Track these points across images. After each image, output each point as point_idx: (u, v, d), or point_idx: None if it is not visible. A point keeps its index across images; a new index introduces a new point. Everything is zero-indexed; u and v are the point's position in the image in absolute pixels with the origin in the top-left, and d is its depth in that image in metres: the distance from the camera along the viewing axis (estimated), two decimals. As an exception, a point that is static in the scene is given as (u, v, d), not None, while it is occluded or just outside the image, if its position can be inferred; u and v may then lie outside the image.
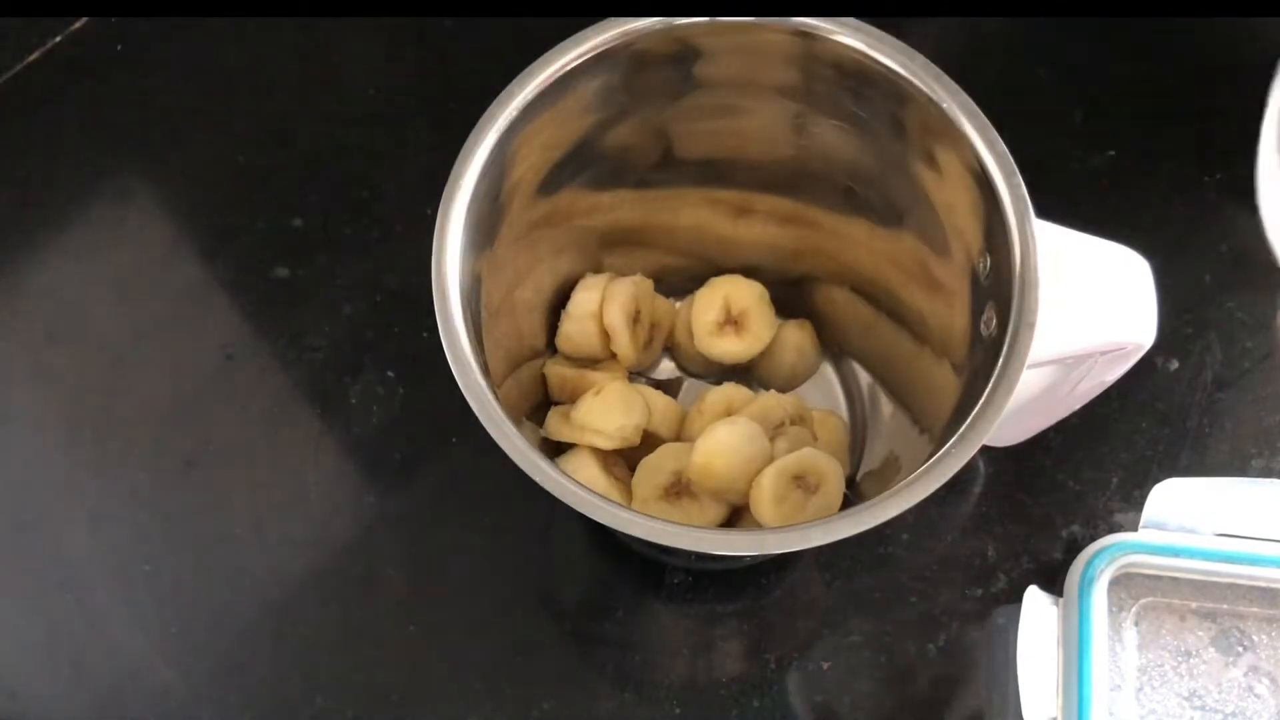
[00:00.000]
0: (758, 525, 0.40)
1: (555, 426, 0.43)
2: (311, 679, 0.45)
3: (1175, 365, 0.50)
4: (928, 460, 0.32)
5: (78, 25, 0.57)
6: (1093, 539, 0.45)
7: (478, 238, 0.35)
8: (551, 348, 0.46)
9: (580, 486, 0.31)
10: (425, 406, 0.49)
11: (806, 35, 0.36)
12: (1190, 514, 0.43)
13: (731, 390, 0.44)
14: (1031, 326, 0.32)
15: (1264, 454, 0.48)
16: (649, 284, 0.46)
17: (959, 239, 0.37)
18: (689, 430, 0.44)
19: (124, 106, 0.55)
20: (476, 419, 0.32)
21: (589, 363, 0.46)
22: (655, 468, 0.42)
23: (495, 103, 0.35)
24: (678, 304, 0.48)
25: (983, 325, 0.35)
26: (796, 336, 0.46)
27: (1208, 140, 0.55)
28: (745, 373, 0.47)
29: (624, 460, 0.44)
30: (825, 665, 0.45)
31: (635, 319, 0.45)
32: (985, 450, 0.37)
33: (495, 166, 0.35)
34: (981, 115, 0.34)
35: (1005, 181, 0.34)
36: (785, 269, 0.47)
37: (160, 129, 0.55)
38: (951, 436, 0.32)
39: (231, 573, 0.46)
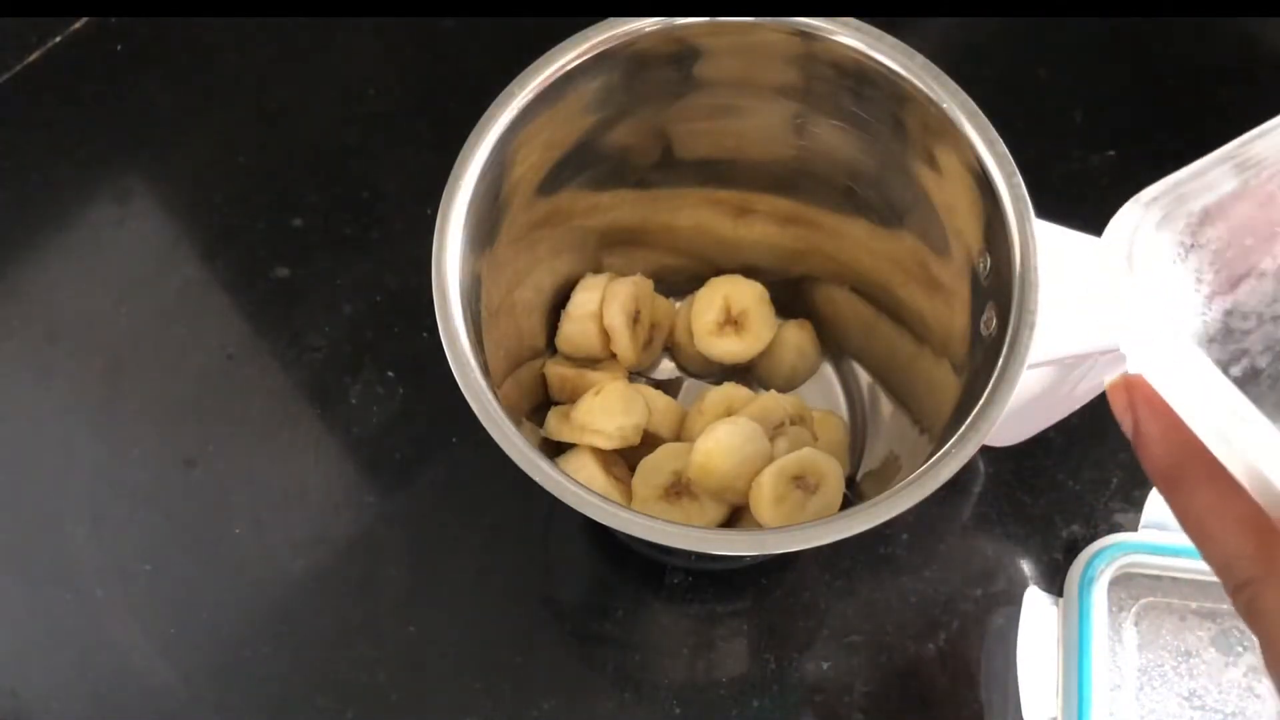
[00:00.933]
0: (758, 525, 0.40)
1: (555, 426, 0.43)
2: (311, 679, 0.45)
3: (1175, 365, 0.50)
4: (928, 460, 0.32)
5: (78, 25, 0.57)
6: (1093, 539, 0.45)
7: (478, 238, 0.35)
8: (551, 348, 0.46)
9: (580, 486, 0.31)
10: (425, 406, 0.49)
11: (806, 35, 0.36)
12: (1190, 514, 0.43)
13: (731, 390, 0.44)
14: (1031, 326, 0.32)
15: (1264, 454, 0.48)
16: (649, 284, 0.46)
17: (959, 239, 0.37)
18: (689, 430, 0.44)
19: (124, 106, 0.55)
20: (476, 419, 0.32)
21: (589, 363, 0.46)
22: (655, 468, 0.42)
23: (495, 103, 0.35)
24: (677, 304, 0.48)
25: (983, 325, 0.35)
26: (796, 336, 0.46)
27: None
28: (745, 373, 0.47)
29: (624, 460, 0.44)
30: (825, 665, 0.45)
31: (635, 319, 0.45)
32: (985, 450, 0.37)
33: (495, 166, 0.35)
34: (981, 115, 0.34)
35: (1005, 181, 0.34)
36: (785, 269, 0.47)
37: (160, 129, 0.55)
38: (951, 436, 0.32)
39: (231, 573, 0.46)
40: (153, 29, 0.57)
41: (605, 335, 0.44)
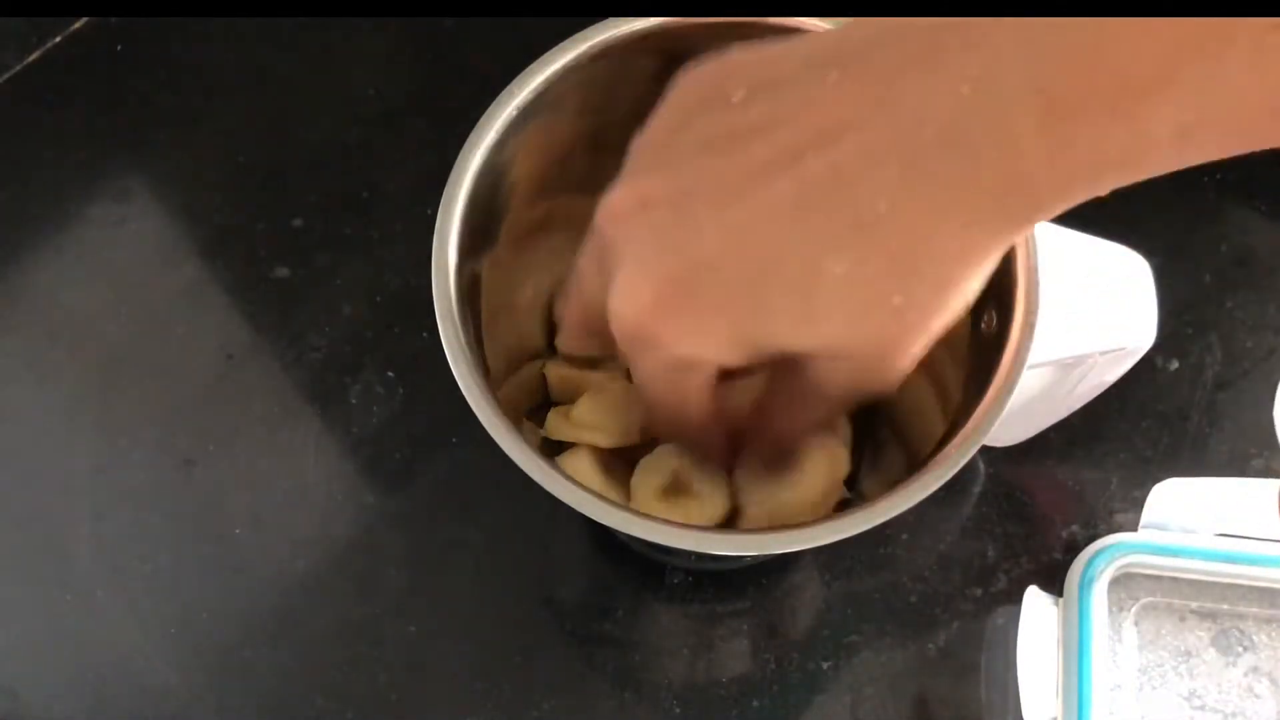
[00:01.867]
0: (757, 525, 0.40)
1: (555, 426, 0.43)
2: (311, 679, 0.45)
3: (1175, 365, 0.50)
4: (928, 460, 0.32)
5: (78, 25, 0.57)
6: (1093, 539, 0.45)
7: (478, 238, 0.35)
8: (551, 348, 0.46)
9: (580, 486, 0.31)
10: (425, 406, 0.49)
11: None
12: (1190, 514, 0.43)
13: None
14: (1031, 326, 0.32)
15: (1264, 454, 0.48)
16: (649, 284, 0.46)
17: (959, 239, 0.37)
18: None
19: (124, 106, 0.55)
20: (476, 419, 0.32)
21: (589, 363, 0.46)
22: (655, 468, 0.42)
23: (495, 103, 0.35)
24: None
25: (983, 325, 0.35)
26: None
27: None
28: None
29: (624, 460, 0.44)
30: (825, 665, 0.45)
31: (635, 319, 0.45)
32: (985, 450, 0.37)
33: (495, 167, 0.35)
34: (981, 115, 0.34)
35: (1005, 181, 0.34)
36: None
37: (160, 129, 0.55)
38: (952, 436, 0.32)
39: (231, 573, 0.46)
40: (153, 29, 0.57)
41: (605, 335, 0.44)
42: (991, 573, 0.46)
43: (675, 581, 0.46)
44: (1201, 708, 0.42)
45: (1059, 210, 0.24)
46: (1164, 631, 0.43)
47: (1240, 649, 0.43)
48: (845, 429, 0.45)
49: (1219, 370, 0.50)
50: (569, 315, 0.33)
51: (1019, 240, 0.33)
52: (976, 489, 0.48)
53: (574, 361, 0.46)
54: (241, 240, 0.52)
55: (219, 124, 0.55)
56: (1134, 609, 0.43)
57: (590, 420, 0.42)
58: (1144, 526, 0.44)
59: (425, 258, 0.33)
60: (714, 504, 0.41)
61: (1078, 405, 0.42)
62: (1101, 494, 0.47)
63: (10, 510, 0.48)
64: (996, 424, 0.32)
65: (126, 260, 0.52)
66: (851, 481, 0.45)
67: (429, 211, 0.33)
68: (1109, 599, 0.42)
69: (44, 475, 0.48)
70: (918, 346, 0.27)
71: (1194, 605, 0.43)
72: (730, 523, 0.42)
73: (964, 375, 0.36)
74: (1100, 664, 0.41)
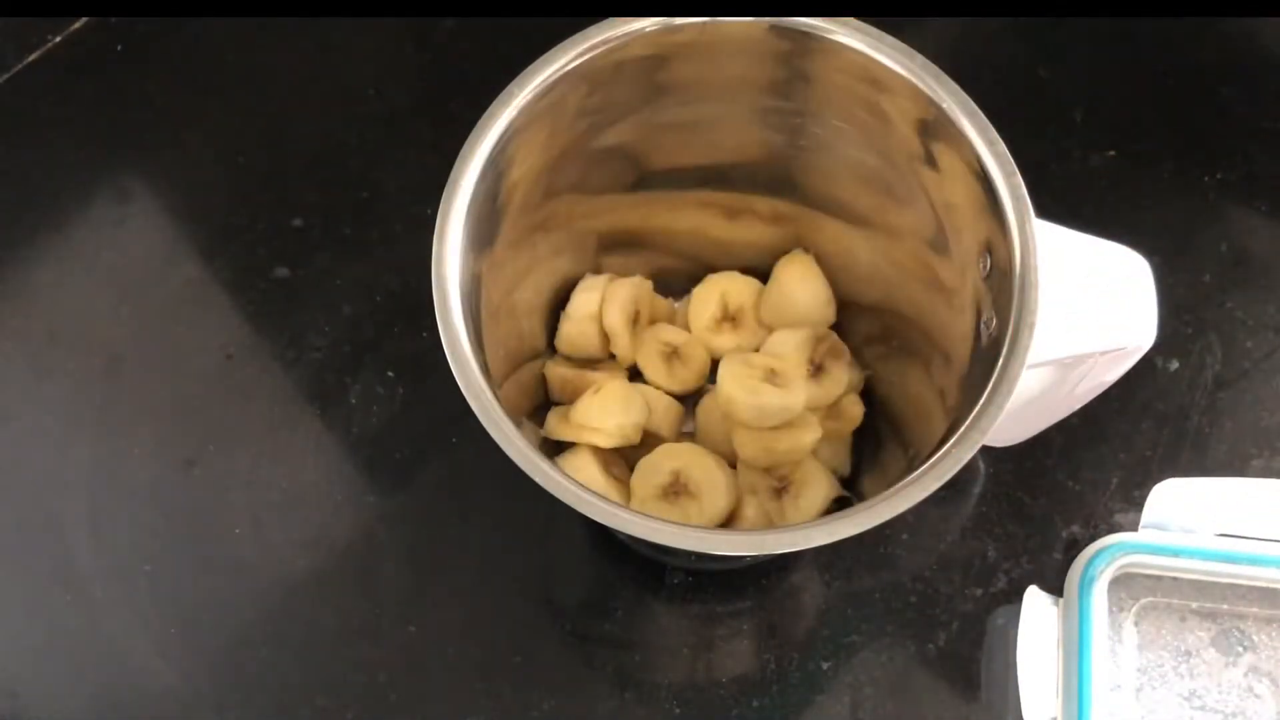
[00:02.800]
0: (757, 526, 0.40)
1: (555, 426, 0.43)
2: (311, 679, 0.45)
3: (1175, 365, 0.50)
4: (928, 460, 0.32)
5: (78, 25, 0.57)
6: (1093, 539, 0.45)
7: (478, 238, 0.35)
8: (551, 348, 0.46)
9: (580, 486, 0.31)
10: (425, 406, 0.49)
11: (806, 35, 0.36)
12: (1190, 514, 0.43)
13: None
14: (1031, 326, 0.32)
15: (1264, 454, 0.48)
16: (648, 285, 0.46)
17: (959, 239, 0.37)
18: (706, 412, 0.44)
19: (124, 106, 0.55)
20: (476, 419, 0.32)
21: (589, 363, 0.46)
22: (654, 467, 0.42)
23: (495, 103, 0.35)
24: (676, 304, 0.48)
25: (983, 325, 0.35)
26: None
27: (1208, 140, 0.55)
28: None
29: (624, 460, 0.44)
30: (825, 665, 0.45)
31: (635, 320, 0.45)
32: (985, 450, 0.37)
33: (495, 167, 0.35)
34: (981, 115, 0.34)
35: (1005, 181, 0.34)
36: (785, 269, 0.47)
37: (160, 129, 0.55)
38: (952, 436, 0.32)
39: (231, 573, 0.46)
40: (153, 29, 0.57)
41: (605, 336, 0.44)
42: (991, 573, 0.46)
43: (675, 581, 0.46)
44: (1201, 708, 0.42)
45: None
46: (1164, 631, 0.43)
47: (1240, 649, 0.43)
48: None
49: (1219, 370, 0.50)
50: None
51: (1018, 240, 0.33)
52: (976, 489, 0.48)
53: (574, 361, 0.46)
54: (241, 240, 0.52)
55: (219, 124, 0.55)
56: (1134, 609, 0.43)
57: (590, 420, 0.42)
58: (1144, 526, 0.44)
59: (425, 258, 0.33)
60: (714, 504, 0.41)
61: (1078, 405, 0.42)
62: (1101, 494, 0.47)
63: (10, 510, 0.48)
64: (996, 424, 0.32)
65: (126, 260, 0.52)
66: (851, 481, 0.45)
67: (429, 211, 0.33)
68: (1109, 599, 0.42)
69: (44, 475, 0.48)
70: None
71: (1194, 605, 0.43)
72: (730, 523, 0.42)
73: (964, 375, 0.36)
74: (1100, 664, 0.41)
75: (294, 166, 0.54)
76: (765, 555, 0.45)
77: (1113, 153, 0.54)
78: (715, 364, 0.46)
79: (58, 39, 0.56)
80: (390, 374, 0.50)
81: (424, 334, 0.50)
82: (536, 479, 0.31)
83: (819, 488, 0.42)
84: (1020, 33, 0.57)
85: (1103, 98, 0.56)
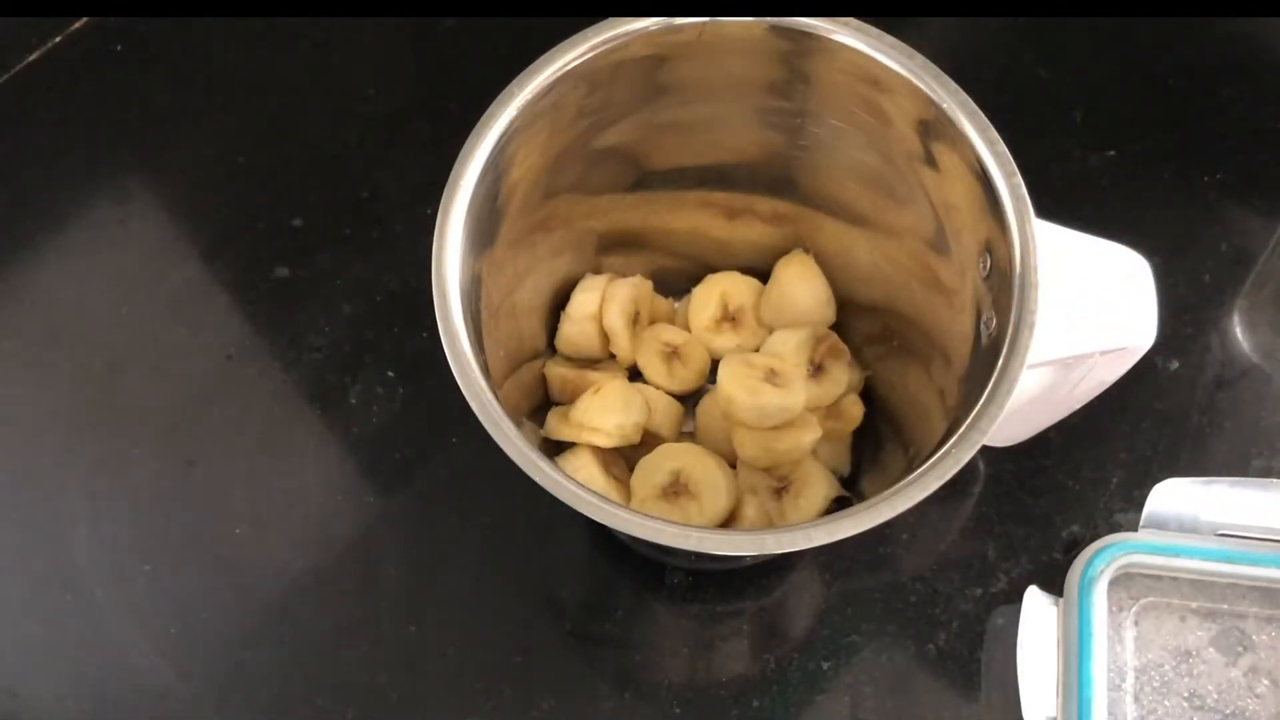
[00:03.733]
0: (757, 526, 0.40)
1: (555, 426, 0.43)
2: (311, 679, 0.45)
3: (1175, 365, 0.50)
4: (928, 460, 0.32)
5: (78, 25, 0.57)
6: (1093, 539, 0.45)
7: (477, 238, 0.35)
8: (551, 348, 0.46)
9: (580, 486, 0.31)
10: (425, 406, 0.49)
11: (806, 35, 0.36)
12: (1190, 514, 0.43)
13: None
14: (1031, 326, 0.32)
15: (1264, 454, 0.48)
16: (648, 285, 0.46)
17: (959, 239, 0.37)
18: (706, 412, 0.44)
19: (124, 106, 0.55)
20: (476, 419, 0.32)
21: (589, 363, 0.46)
22: (654, 467, 0.42)
23: (495, 103, 0.35)
24: (676, 304, 0.48)
25: (983, 325, 0.35)
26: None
27: (1208, 140, 0.55)
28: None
29: (624, 460, 0.44)
30: (825, 665, 0.45)
31: (635, 320, 0.45)
32: (985, 450, 0.37)
33: (495, 167, 0.35)
34: (981, 115, 0.34)
35: (1005, 181, 0.34)
36: (785, 269, 0.47)
37: (160, 129, 0.55)
38: (952, 436, 0.32)
39: (231, 573, 0.46)
40: (153, 29, 0.57)
41: (605, 336, 0.44)
42: (991, 573, 0.46)
43: (675, 581, 0.46)
44: (1201, 708, 0.42)
45: None
46: (1164, 631, 0.43)
47: (1240, 649, 0.43)
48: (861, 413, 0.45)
49: (1219, 370, 0.50)
50: None
51: (1018, 240, 0.33)
52: (976, 489, 0.48)
53: (574, 361, 0.46)
54: (241, 240, 0.52)
55: (219, 124, 0.55)
56: (1134, 609, 0.43)
57: (590, 420, 0.42)
58: (1144, 526, 0.44)
59: (425, 258, 0.33)
60: (714, 504, 0.41)
61: (1078, 405, 0.42)
62: (1101, 494, 0.47)
63: (10, 510, 0.48)
64: (996, 424, 0.32)
65: (126, 260, 0.52)
66: (851, 481, 0.45)
67: (429, 211, 0.33)
68: (1109, 599, 0.42)
69: (44, 475, 0.48)
70: None
71: (1194, 605, 0.43)
72: (730, 523, 0.42)
73: (964, 375, 0.36)
74: (1100, 664, 0.41)
75: (294, 166, 0.54)
76: (765, 555, 0.45)
77: (1113, 153, 0.54)
78: (715, 364, 0.46)
79: (58, 39, 0.56)
80: (390, 374, 0.50)
81: (424, 334, 0.50)
82: (536, 479, 0.31)
83: (819, 488, 0.42)
84: (1020, 33, 0.57)
85: (1103, 98, 0.56)
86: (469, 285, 0.34)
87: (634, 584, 0.46)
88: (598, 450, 0.42)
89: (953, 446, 0.32)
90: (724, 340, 0.45)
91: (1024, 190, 0.34)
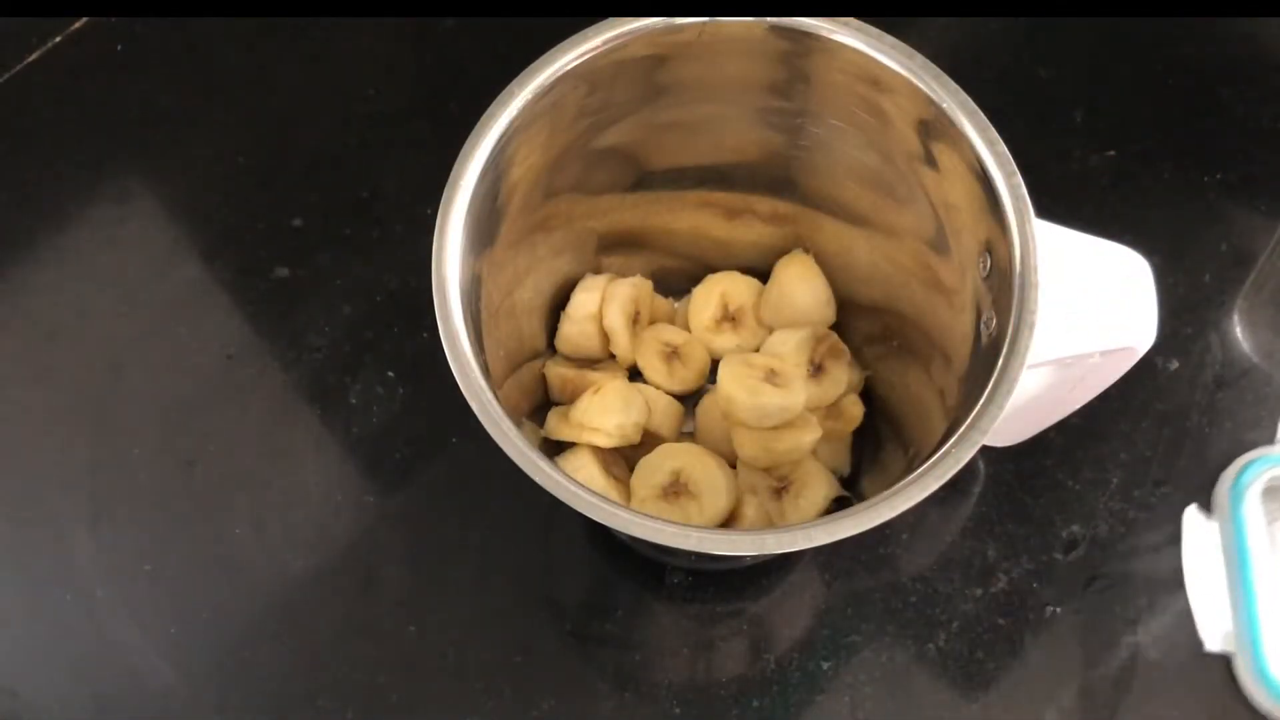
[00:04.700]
0: (757, 526, 0.40)
1: (555, 426, 0.43)
2: (311, 679, 0.45)
3: (1175, 365, 0.50)
4: (928, 460, 0.32)
5: (78, 25, 0.57)
6: (1093, 539, 0.45)
7: (477, 238, 0.35)
8: (552, 348, 0.46)
9: (580, 486, 0.31)
10: (425, 406, 0.49)
11: (806, 35, 0.36)
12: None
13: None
14: (1031, 326, 0.32)
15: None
16: (648, 285, 0.46)
17: (959, 239, 0.37)
18: (706, 412, 0.44)
19: (124, 106, 0.55)
20: (476, 419, 0.32)
21: (589, 363, 0.46)
22: (654, 467, 0.42)
23: (495, 103, 0.35)
24: (676, 304, 0.48)
25: (983, 325, 0.35)
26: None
27: (1208, 140, 0.55)
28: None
29: (624, 460, 0.44)
30: (825, 665, 0.45)
31: (635, 320, 0.45)
32: (985, 450, 0.37)
33: (495, 167, 0.35)
34: (981, 115, 0.34)
35: (1005, 181, 0.34)
36: (785, 269, 0.47)
37: (160, 129, 0.55)
38: (952, 436, 0.32)
39: (232, 573, 0.46)
40: (153, 29, 0.57)
41: (605, 336, 0.44)
42: (991, 573, 0.46)
43: (675, 581, 0.46)
44: None
45: None
46: None
47: None
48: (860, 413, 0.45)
49: (1219, 370, 0.50)
50: None
51: (1018, 240, 0.33)
52: (976, 489, 0.48)
53: (574, 361, 0.46)
54: (241, 240, 0.52)
55: (219, 124, 0.55)
56: None
57: (590, 420, 0.42)
58: None
59: (425, 258, 0.33)
60: (714, 504, 0.41)
61: (1078, 405, 0.42)
62: (1101, 494, 0.47)
63: (10, 510, 0.48)
64: (996, 424, 0.32)
65: (126, 260, 0.52)
66: (851, 481, 0.45)
67: (429, 211, 0.33)
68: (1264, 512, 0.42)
69: (44, 475, 0.48)
70: None
71: None
72: (730, 523, 0.42)
73: (964, 375, 0.36)
74: (1262, 573, 0.40)
75: (294, 166, 0.54)
76: (765, 555, 0.45)
77: (1113, 153, 0.54)
78: (715, 364, 0.46)
79: (58, 39, 0.56)
80: (390, 374, 0.50)
81: (424, 334, 0.50)
82: (536, 479, 0.31)
83: (819, 488, 0.42)
84: (1020, 33, 0.57)
85: (1103, 98, 0.56)
86: (469, 285, 0.34)
87: (634, 584, 0.46)
88: (598, 450, 0.42)
89: (953, 446, 0.32)
90: (724, 340, 0.45)
91: (1024, 190, 0.34)
